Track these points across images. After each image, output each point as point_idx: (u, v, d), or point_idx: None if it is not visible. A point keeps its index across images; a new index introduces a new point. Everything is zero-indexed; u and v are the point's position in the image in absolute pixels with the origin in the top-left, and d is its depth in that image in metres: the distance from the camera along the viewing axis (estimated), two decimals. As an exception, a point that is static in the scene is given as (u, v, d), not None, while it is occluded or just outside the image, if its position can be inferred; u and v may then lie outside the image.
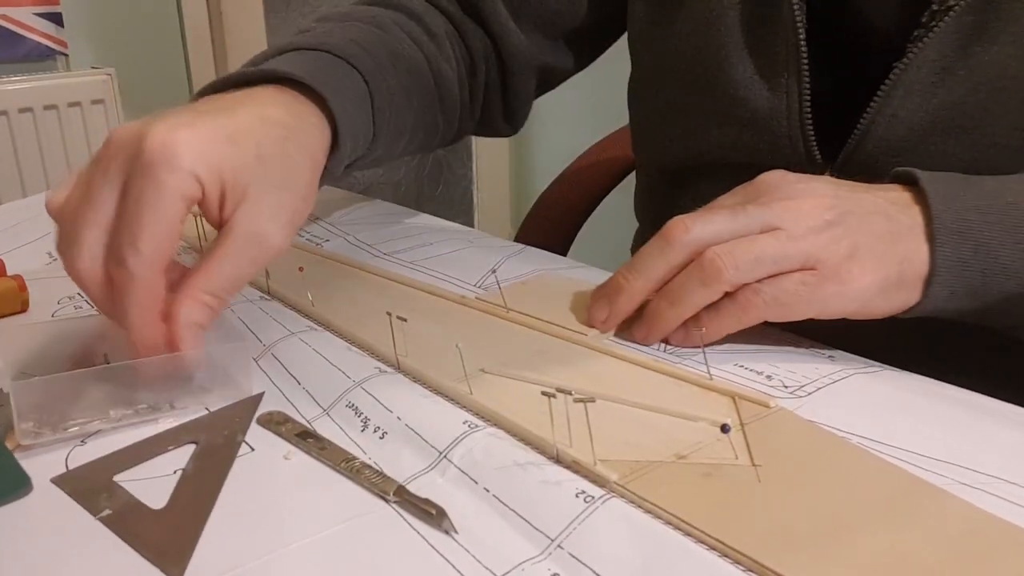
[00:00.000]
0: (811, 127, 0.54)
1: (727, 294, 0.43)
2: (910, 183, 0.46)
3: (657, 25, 0.62)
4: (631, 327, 0.47)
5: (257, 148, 0.42)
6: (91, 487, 0.35)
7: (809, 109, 0.54)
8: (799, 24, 0.53)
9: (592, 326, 0.48)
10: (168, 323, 0.40)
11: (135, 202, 0.39)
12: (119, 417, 0.40)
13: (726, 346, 0.46)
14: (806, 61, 0.53)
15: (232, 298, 0.42)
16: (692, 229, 0.44)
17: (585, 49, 0.74)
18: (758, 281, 0.43)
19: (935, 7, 0.50)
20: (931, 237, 0.43)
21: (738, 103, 0.57)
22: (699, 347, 0.45)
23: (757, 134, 0.57)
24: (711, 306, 0.44)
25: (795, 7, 0.53)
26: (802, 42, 0.53)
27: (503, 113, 0.75)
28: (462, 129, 0.74)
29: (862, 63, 0.53)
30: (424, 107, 0.65)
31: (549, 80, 0.75)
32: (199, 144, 0.40)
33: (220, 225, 0.42)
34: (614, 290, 0.47)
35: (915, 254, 0.43)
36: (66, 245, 0.40)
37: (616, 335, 0.47)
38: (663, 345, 0.46)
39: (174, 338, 0.40)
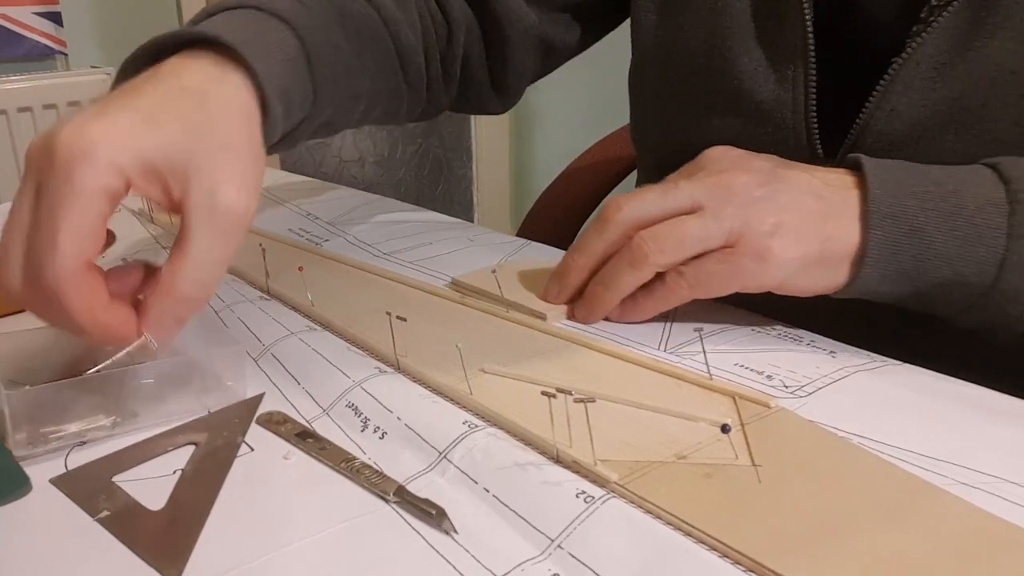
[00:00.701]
0: (815, 120, 0.54)
1: (659, 274, 0.46)
2: (856, 168, 0.46)
3: (663, 13, 0.62)
4: (575, 309, 0.51)
5: (180, 122, 0.39)
6: (90, 488, 0.35)
7: (815, 102, 0.54)
8: (807, 16, 0.53)
9: (548, 301, 0.51)
10: (144, 327, 0.38)
11: (48, 205, 0.36)
12: (112, 425, 0.39)
13: (726, 346, 0.46)
14: (813, 54, 0.53)
15: (215, 287, 0.39)
16: (623, 208, 0.47)
17: (589, 25, 0.73)
18: (684, 263, 0.45)
19: (933, 2, 0.49)
20: (865, 219, 0.44)
21: (743, 94, 0.57)
22: (640, 321, 0.49)
23: (760, 126, 0.56)
24: (646, 286, 0.47)
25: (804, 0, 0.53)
26: (810, 35, 0.53)
27: (492, 86, 0.71)
28: (435, 101, 0.69)
29: (865, 58, 0.53)
30: (382, 71, 0.61)
31: (550, 56, 0.73)
32: (113, 134, 0.37)
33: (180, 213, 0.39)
34: (563, 268, 0.50)
35: (843, 234, 0.44)
36: None
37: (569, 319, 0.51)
38: (663, 345, 0.46)
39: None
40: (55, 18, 1.90)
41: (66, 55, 1.97)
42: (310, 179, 0.92)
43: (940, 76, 0.50)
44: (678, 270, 0.46)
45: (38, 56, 1.92)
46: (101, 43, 2.03)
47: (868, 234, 0.44)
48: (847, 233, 0.44)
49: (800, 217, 0.44)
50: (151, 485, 0.36)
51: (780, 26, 0.55)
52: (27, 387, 0.38)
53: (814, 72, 0.54)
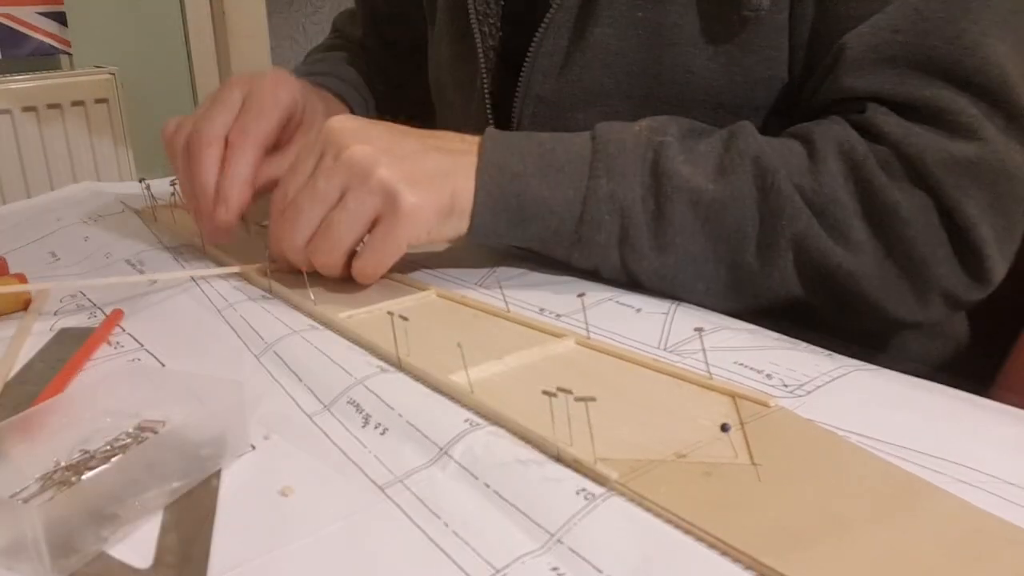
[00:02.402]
0: (489, 105, 0.67)
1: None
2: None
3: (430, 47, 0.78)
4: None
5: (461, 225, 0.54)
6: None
7: (488, 90, 0.67)
8: (484, 74, 0.67)
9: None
10: None
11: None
12: (141, 503, 0.34)
13: (726, 344, 0.46)
14: (481, 54, 0.66)
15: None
16: (287, 225, 0.53)
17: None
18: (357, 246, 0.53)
19: (551, 2, 0.59)
20: (478, 172, 0.52)
21: (448, 87, 0.74)
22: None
23: (463, 109, 0.72)
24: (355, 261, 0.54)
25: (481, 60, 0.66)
26: (477, 39, 0.66)
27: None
28: None
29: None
30: None
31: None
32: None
33: None
34: (276, 244, 0.56)
35: (464, 186, 0.52)
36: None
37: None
38: (663, 344, 0.46)
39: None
40: (59, 18, 1.91)
41: (70, 55, 1.98)
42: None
43: (565, 63, 0.60)
44: (356, 255, 0.53)
45: (42, 56, 1.93)
46: (105, 43, 2.04)
47: (479, 181, 0.52)
48: (467, 185, 0.52)
49: (428, 178, 0.51)
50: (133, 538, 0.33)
51: (472, 69, 0.68)
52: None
53: (484, 66, 0.66)
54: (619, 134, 0.53)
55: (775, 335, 0.48)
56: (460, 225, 0.53)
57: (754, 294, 0.53)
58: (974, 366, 0.64)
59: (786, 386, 0.41)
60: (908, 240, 0.51)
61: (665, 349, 0.46)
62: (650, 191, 0.52)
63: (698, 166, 0.52)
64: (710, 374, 0.42)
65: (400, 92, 0.86)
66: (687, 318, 0.50)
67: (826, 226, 0.51)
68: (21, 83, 1.81)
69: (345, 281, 0.55)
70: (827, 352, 0.45)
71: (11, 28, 1.83)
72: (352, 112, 0.76)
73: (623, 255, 0.53)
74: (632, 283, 0.54)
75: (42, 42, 1.88)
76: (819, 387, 0.41)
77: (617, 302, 0.53)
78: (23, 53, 1.86)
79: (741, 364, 0.44)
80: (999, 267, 0.53)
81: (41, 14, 1.87)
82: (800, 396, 0.40)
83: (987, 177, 0.50)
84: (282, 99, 0.62)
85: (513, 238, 0.54)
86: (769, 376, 0.42)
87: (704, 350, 0.43)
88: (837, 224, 0.51)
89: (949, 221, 0.51)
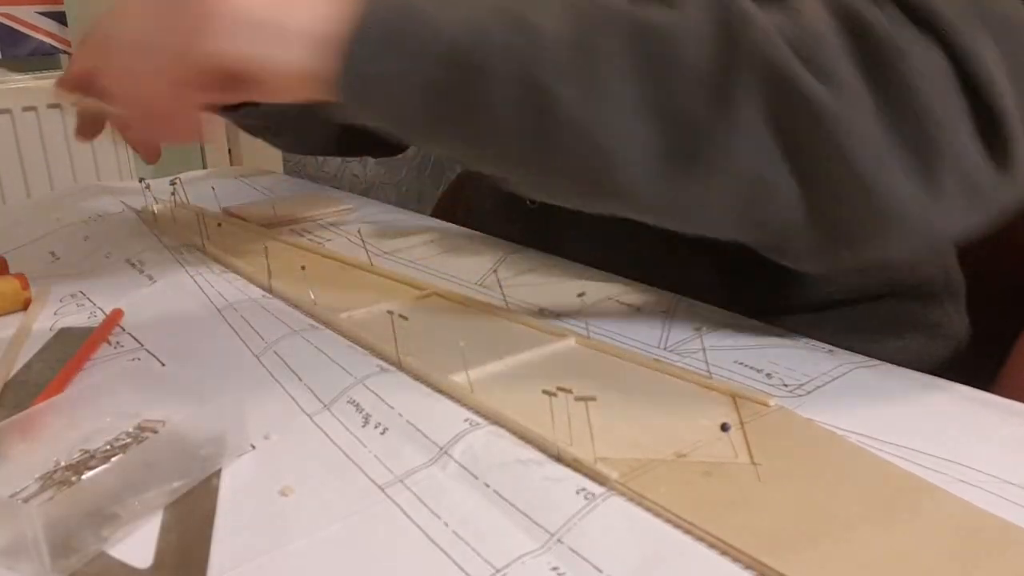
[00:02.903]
0: None
1: None
2: None
3: None
4: None
5: None
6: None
7: None
8: None
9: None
10: None
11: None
12: (142, 503, 0.34)
13: (725, 343, 0.46)
14: None
15: None
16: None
17: None
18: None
19: None
20: None
21: None
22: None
23: None
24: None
25: None
26: None
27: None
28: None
29: None
30: None
31: None
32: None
33: None
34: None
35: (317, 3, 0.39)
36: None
37: None
38: (663, 344, 0.46)
39: None
40: (59, 18, 1.91)
41: (70, 54, 1.97)
42: (313, 188, 0.92)
43: None
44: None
45: (42, 55, 1.92)
46: (105, 43, 2.03)
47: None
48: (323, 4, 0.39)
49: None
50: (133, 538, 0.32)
51: None
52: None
53: None
54: None
55: (777, 330, 0.48)
56: (307, 55, 0.39)
57: (704, 168, 0.40)
58: (974, 367, 0.64)
59: (786, 386, 0.41)
60: (914, 91, 0.38)
61: (665, 349, 0.46)
62: (571, 10, 0.40)
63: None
64: (710, 374, 0.42)
65: None
66: (687, 317, 0.50)
67: (808, 64, 0.38)
68: (21, 83, 1.81)
69: (345, 281, 0.55)
70: (828, 348, 0.45)
71: (11, 28, 1.83)
72: None
73: (530, 99, 0.39)
74: (538, 155, 0.41)
75: (42, 42, 1.88)
76: (819, 387, 0.41)
77: (618, 301, 0.53)
78: (23, 53, 1.86)
79: (741, 363, 0.44)
80: (1020, 149, 0.40)
81: (41, 14, 1.87)
82: (800, 396, 0.40)
83: (1013, 34, 0.39)
84: None
85: (403, 83, 0.40)
86: (769, 375, 0.42)
87: (704, 349, 0.43)
88: (822, 64, 0.38)
89: (966, 79, 0.39)
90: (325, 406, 0.41)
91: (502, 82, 0.39)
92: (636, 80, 0.39)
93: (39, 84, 1.84)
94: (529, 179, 0.44)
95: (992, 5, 0.40)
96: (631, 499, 0.33)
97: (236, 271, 0.60)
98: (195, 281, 0.58)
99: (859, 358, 0.44)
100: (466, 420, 0.38)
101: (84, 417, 0.39)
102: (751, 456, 0.35)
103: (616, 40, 0.39)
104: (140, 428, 0.39)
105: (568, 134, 0.39)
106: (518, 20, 0.39)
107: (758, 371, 0.43)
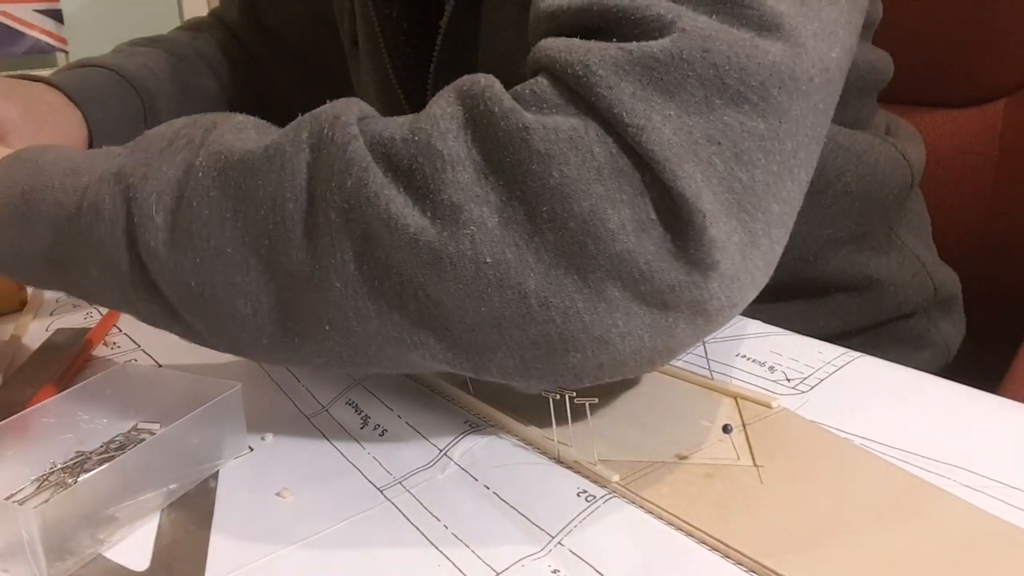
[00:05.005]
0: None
1: None
2: None
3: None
4: None
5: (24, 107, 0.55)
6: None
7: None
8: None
9: None
10: None
11: None
12: (138, 505, 0.34)
13: (726, 334, 0.46)
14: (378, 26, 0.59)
15: None
16: None
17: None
18: None
19: None
20: None
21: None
22: None
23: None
24: None
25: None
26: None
27: None
28: None
29: None
30: None
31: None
32: None
33: None
34: None
35: None
36: None
37: None
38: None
39: None
40: (56, 15, 1.90)
41: (67, 52, 1.97)
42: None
43: (473, 40, 0.53)
44: None
45: (39, 53, 1.92)
46: (101, 41, 2.03)
47: None
48: None
49: None
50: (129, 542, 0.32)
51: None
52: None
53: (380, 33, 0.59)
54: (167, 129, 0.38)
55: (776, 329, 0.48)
56: None
57: (316, 320, 0.33)
58: (975, 367, 0.63)
59: (789, 380, 0.41)
60: (552, 187, 0.30)
61: (665, 349, 0.46)
62: (180, 166, 0.35)
63: (257, 132, 0.36)
64: (712, 374, 0.42)
65: (276, 99, 0.77)
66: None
67: (407, 185, 0.31)
68: (17, 81, 1.81)
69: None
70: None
71: (7, 26, 1.83)
72: (83, 114, 0.64)
73: (132, 254, 0.36)
74: (170, 316, 0.37)
75: (38, 40, 1.88)
76: (822, 380, 0.41)
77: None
78: (19, 51, 1.86)
79: (743, 356, 0.43)
80: (723, 235, 0.30)
81: (38, 11, 1.86)
82: (803, 392, 0.40)
83: (691, 79, 0.30)
84: None
85: (21, 248, 0.39)
86: (772, 369, 0.42)
87: (705, 348, 0.43)
88: (427, 179, 0.31)
89: (629, 153, 0.30)
90: (323, 407, 0.41)
91: (104, 244, 0.36)
92: (229, 222, 0.34)
93: (36, 82, 1.84)
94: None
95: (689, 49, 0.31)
96: (632, 501, 0.32)
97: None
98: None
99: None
100: (466, 422, 0.38)
101: (80, 419, 0.39)
102: (753, 458, 0.35)
103: (205, 181, 0.35)
104: (137, 430, 0.38)
105: (182, 297, 0.35)
106: (119, 173, 0.36)
107: (760, 364, 0.42)
